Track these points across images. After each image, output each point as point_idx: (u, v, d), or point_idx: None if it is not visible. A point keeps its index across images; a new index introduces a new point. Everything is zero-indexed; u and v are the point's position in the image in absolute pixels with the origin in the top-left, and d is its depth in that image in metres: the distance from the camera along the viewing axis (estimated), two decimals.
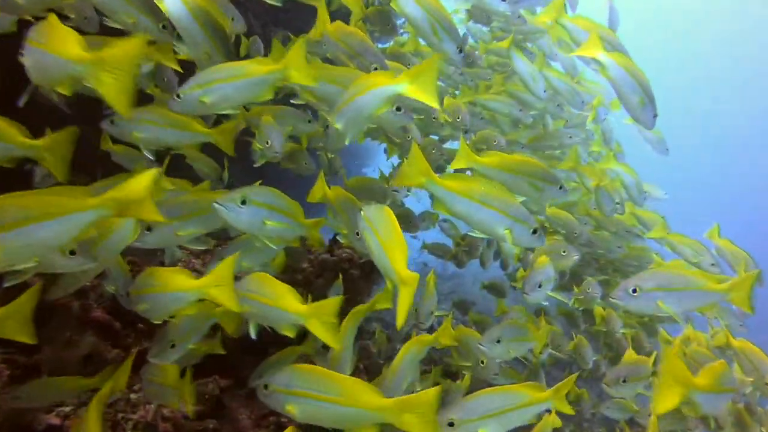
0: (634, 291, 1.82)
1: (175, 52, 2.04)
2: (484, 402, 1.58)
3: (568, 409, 1.74)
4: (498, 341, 2.21)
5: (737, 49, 20.42)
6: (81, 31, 1.55)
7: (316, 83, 1.83)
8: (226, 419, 2.56)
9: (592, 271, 3.59)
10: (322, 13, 2.17)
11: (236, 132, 2.09)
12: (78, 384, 1.82)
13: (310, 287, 2.81)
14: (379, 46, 2.88)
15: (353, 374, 1.65)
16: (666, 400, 1.59)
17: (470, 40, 3.57)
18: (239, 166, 2.80)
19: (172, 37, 1.89)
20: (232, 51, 1.92)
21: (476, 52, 3.34)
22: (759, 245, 5.06)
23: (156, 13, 1.80)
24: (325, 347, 1.97)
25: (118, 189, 1.22)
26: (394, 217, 1.50)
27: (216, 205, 1.63)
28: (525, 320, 2.49)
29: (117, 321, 2.44)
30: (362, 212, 1.56)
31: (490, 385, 1.67)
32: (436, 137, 3.14)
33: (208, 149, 2.27)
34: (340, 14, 2.57)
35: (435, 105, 1.62)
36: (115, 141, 2.21)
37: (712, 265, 2.94)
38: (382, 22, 2.72)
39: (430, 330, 2.29)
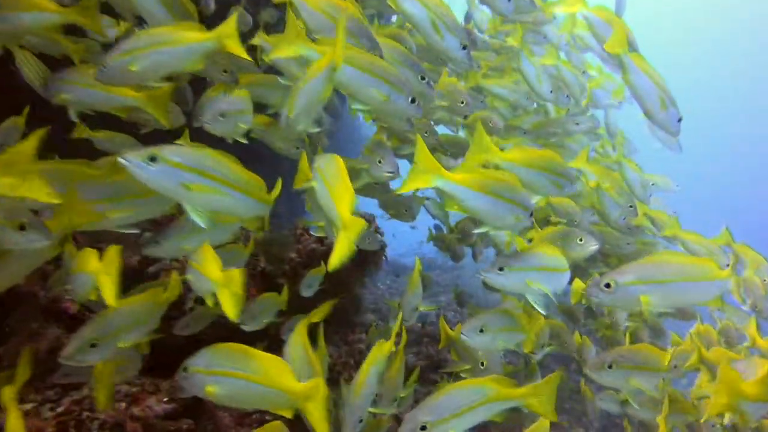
0: (608, 285, 1.62)
1: None
2: (453, 400, 1.48)
3: (551, 415, 1.57)
4: (481, 330, 1.94)
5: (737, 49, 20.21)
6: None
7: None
8: (206, 418, 2.42)
9: (599, 266, 3.41)
10: None
11: (168, 98, 1.90)
12: None
13: (296, 278, 2.65)
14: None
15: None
16: (716, 407, 1.61)
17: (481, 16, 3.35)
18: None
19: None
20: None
21: (482, 35, 3.18)
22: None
23: None
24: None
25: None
26: (344, 166, 1.50)
27: (120, 159, 1.34)
28: (520, 311, 2.25)
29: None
30: (314, 163, 1.56)
31: None
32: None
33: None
34: None
35: None
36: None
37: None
38: None
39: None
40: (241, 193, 1.50)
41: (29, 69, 1.95)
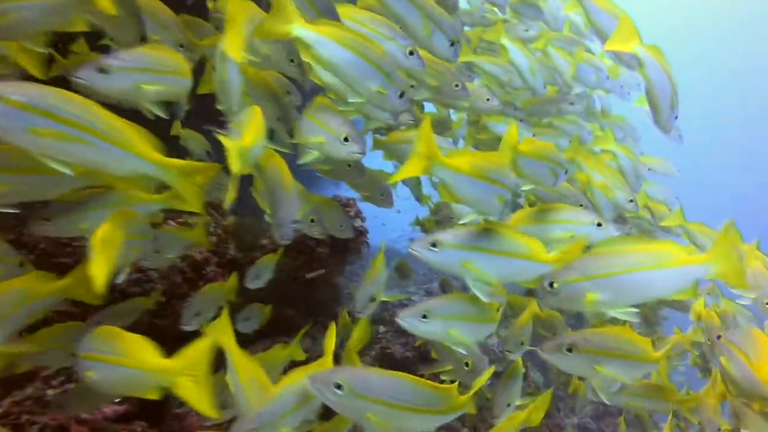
0: (551, 285, 1.41)
1: None
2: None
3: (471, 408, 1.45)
4: (424, 317, 1.58)
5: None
6: None
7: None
8: (170, 418, 2.26)
9: None
10: None
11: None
12: None
13: None
14: None
15: None
16: None
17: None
18: None
19: None
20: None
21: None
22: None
23: None
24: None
25: None
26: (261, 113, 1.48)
27: None
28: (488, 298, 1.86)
29: None
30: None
31: None
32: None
33: None
34: None
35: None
36: None
37: None
38: None
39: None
40: (109, 143, 1.23)
41: None
